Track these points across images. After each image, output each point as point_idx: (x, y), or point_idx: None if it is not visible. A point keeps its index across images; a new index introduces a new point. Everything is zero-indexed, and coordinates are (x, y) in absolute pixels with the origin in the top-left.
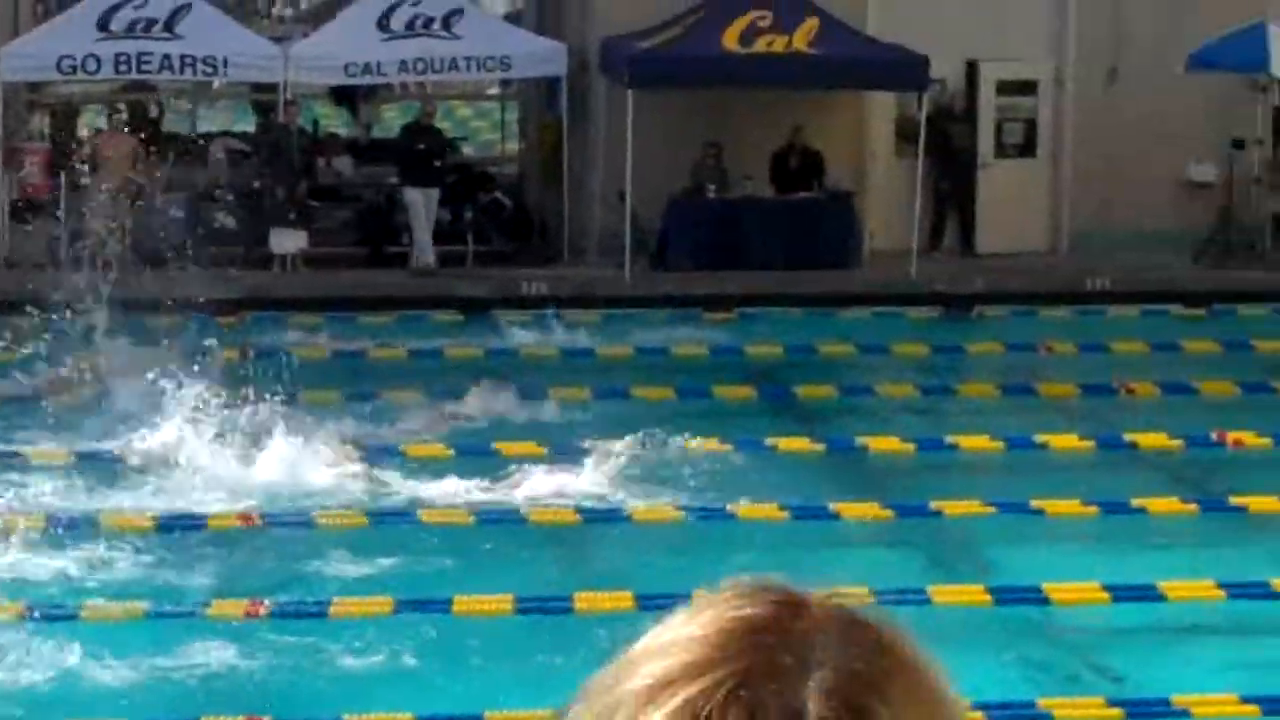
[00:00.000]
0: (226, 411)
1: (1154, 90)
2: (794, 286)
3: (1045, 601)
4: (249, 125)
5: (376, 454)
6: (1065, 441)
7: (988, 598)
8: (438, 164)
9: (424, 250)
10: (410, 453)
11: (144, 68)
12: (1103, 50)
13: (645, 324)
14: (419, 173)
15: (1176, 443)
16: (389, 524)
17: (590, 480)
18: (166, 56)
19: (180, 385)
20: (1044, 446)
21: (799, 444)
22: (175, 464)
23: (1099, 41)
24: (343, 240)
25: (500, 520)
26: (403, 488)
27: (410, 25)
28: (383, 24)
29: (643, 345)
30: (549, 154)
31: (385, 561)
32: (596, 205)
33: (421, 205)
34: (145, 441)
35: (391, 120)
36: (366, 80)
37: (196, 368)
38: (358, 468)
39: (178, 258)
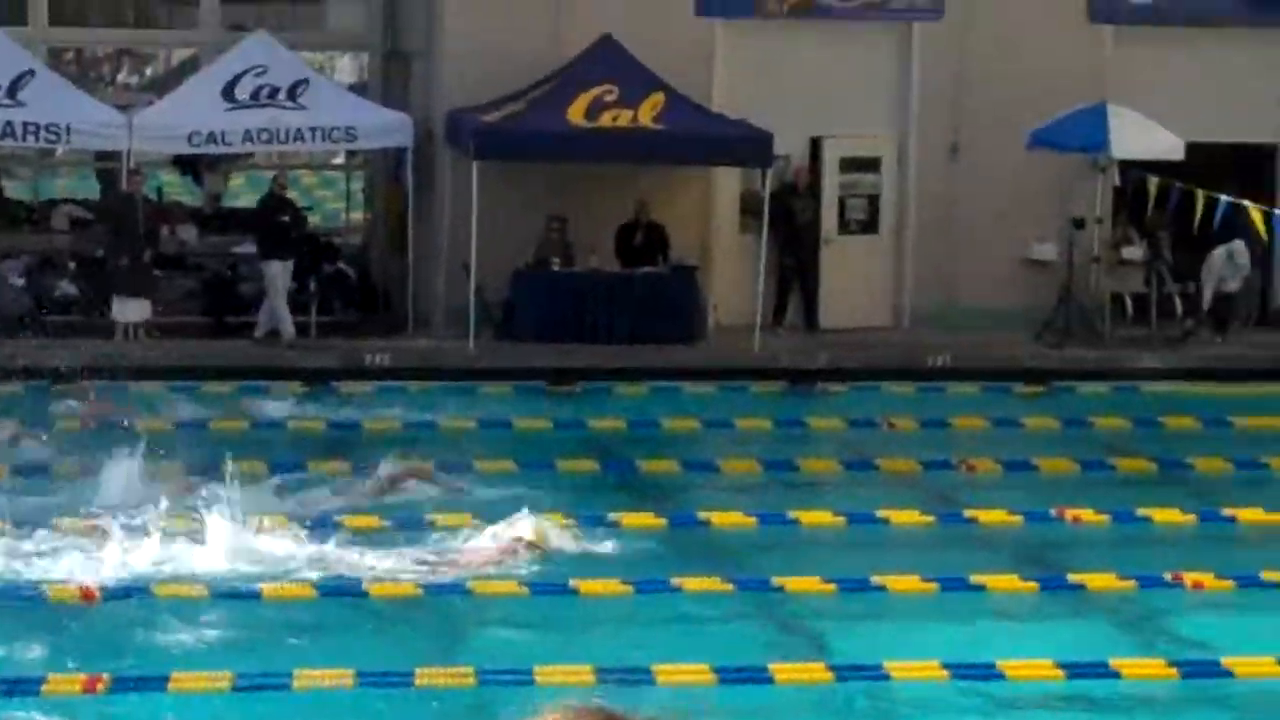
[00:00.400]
0: (67, 483)
1: (995, 168)
2: (638, 360)
3: (885, 678)
4: (93, 193)
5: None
6: (906, 517)
7: (829, 675)
8: (294, 235)
9: (284, 322)
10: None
11: None
12: (945, 128)
13: (488, 397)
14: (278, 244)
15: (1016, 519)
16: (232, 598)
17: (430, 555)
18: (9, 124)
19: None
20: (885, 522)
21: (642, 519)
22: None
23: (941, 119)
24: (187, 309)
25: (342, 593)
26: (251, 559)
27: (255, 95)
28: (228, 93)
29: (486, 418)
30: (395, 224)
31: (228, 634)
32: (441, 276)
33: (280, 278)
34: None
35: (237, 189)
36: (211, 149)
37: (33, 437)
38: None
39: (19, 325)
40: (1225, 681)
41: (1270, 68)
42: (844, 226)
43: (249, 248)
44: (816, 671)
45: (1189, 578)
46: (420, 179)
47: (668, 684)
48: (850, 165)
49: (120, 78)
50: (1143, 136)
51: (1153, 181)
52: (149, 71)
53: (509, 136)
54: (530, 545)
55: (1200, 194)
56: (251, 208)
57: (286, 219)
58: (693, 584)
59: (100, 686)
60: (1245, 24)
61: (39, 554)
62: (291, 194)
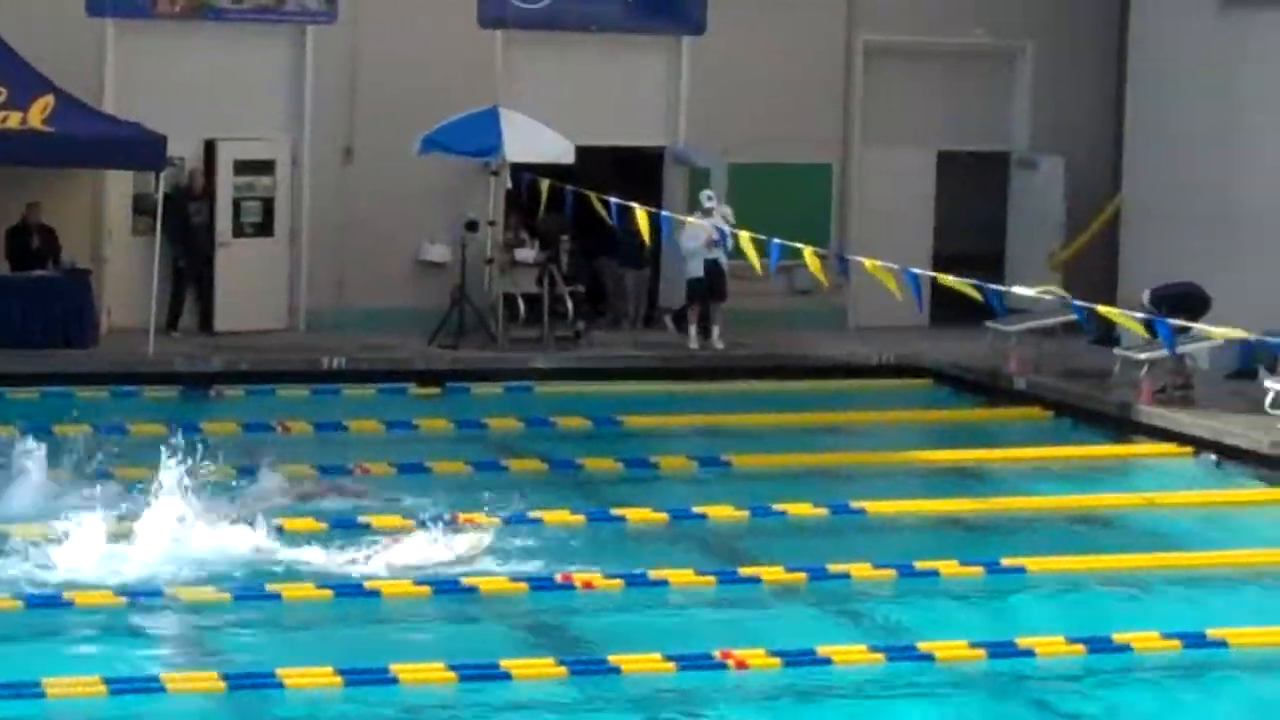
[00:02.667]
0: None
1: (389, 171)
2: (29, 366)
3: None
4: None
5: None
6: (303, 524)
7: (221, 685)
8: None
9: None
10: None
11: None
12: (339, 131)
13: None
14: None
15: (409, 524)
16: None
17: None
18: None
19: None
20: (280, 529)
21: None
22: None
23: (335, 122)
24: None
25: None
26: None
27: None
28: None
29: None
30: None
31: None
32: None
33: None
34: None
35: None
36: None
37: None
38: None
39: None
40: (616, 678)
41: (657, 74)
42: (239, 229)
43: None
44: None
45: (579, 578)
46: None
47: None
48: (245, 168)
49: None
50: (534, 140)
51: (544, 184)
52: None
53: None
54: None
55: (592, 196)
56: None
57: None
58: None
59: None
60: (633, 30)
61: None
62: None
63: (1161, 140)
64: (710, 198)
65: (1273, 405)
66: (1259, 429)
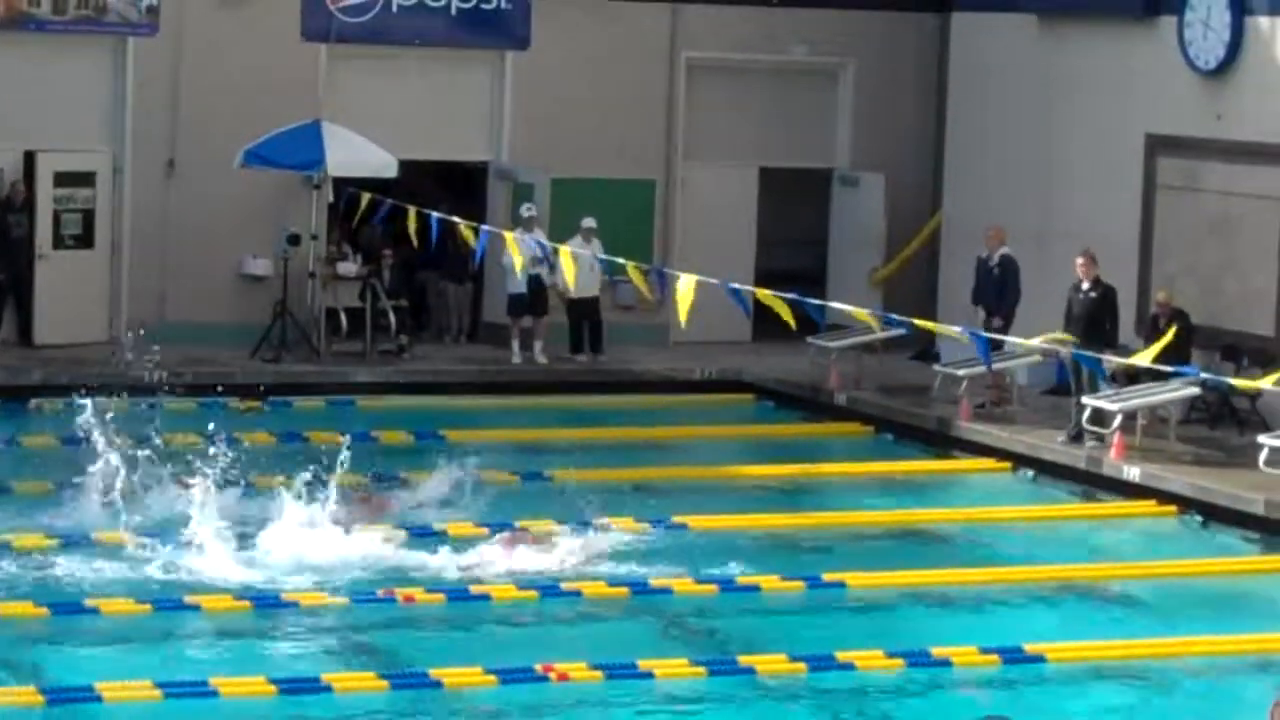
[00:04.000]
0: None
1: (211, 185)
2: None
3: None
4: None
5: None
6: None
7: None
8: None
9: None
10: None
11: None
12: (160, 143)
13: None
14: None
15: None
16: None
17: None
18: None
19: None
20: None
21: None
22: None
23: (157, 134)
24: None
25: None
26: None
27: None
28: None
29: None
30: None
31: None
32: None
33: None
34: None
35: None
36: None
37: None
38: None
39: None
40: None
41: (481, 88)
42: (59, 241)
43: None
44: None
45: (401, 593)
46: None
47: None
48: (65, 179)
49: None
50: (356, 154)
51: (365, 198)
52: None
53: None
54: None
55: (412, 210)
56: None
57: None
58: None
59: None
60: (457, 45)
61: None
62: None
63: (981, 158)
64: (529, 209)
65: (1090, 422)
66: (1075, 445)
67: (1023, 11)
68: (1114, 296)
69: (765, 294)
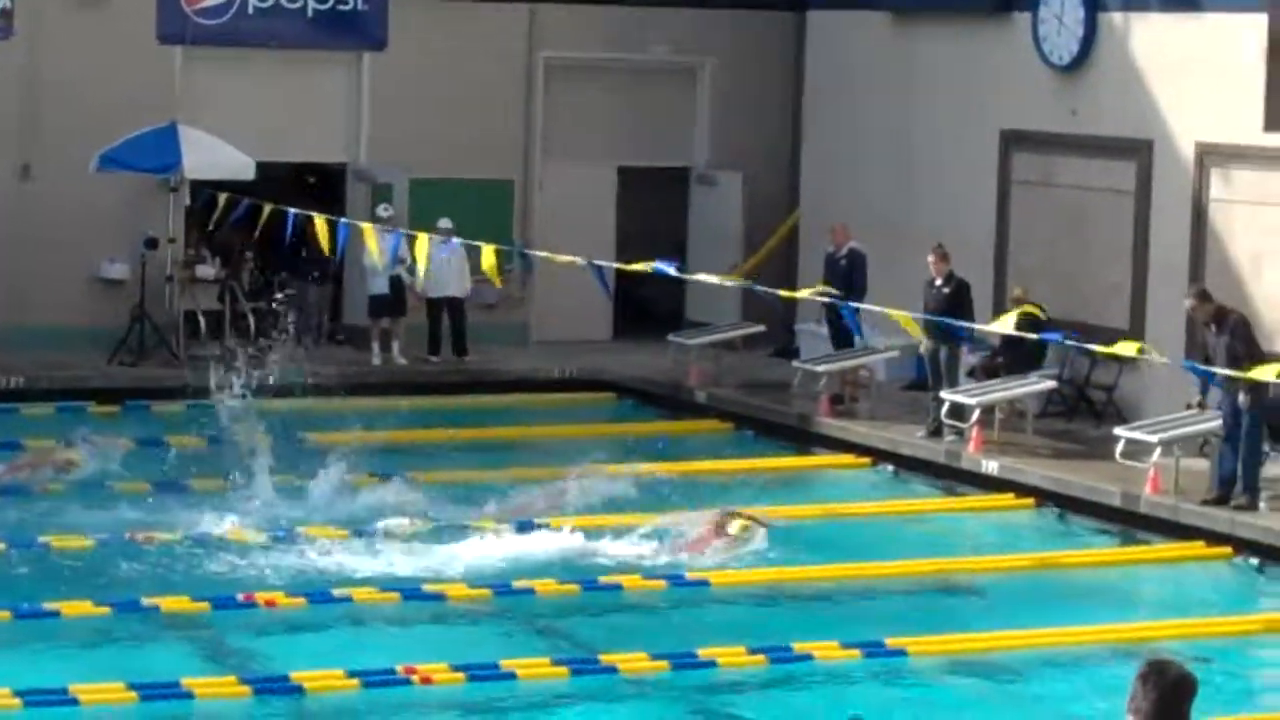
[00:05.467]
0: None
1: (67, 188)
2: None
3: None
4: None
5: None
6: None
7: None
8: None
9: None
10: None
11: None
12: (16, 147)
13: None
14: None
15: (89, 542)
16: None
17: None
18: None
19: None
20: None
21: None
22: None
23: (12, 138)
24: None
25: None
26: None
27: None
28: None
29: None
30: None
31: None
32: None
33: None
34: None
35: None
36: None
37: None
38: None
39: None
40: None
41: (339, 89)
42: None
43: None
44: None
45: (262, 596)
46: None
47: None
48: None
49: None
50: (213, 156)
51: (222, 199)
52: None
53: None
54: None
55: (268, 206)
56: None
57: None
58: None
59: None
60: (314, 46)
61: None
62: None
63: (837, 155)
64: (387, 209)
65: (949, 416)
66: (934, 439)
67: (877, 9)
68: (967, 290)
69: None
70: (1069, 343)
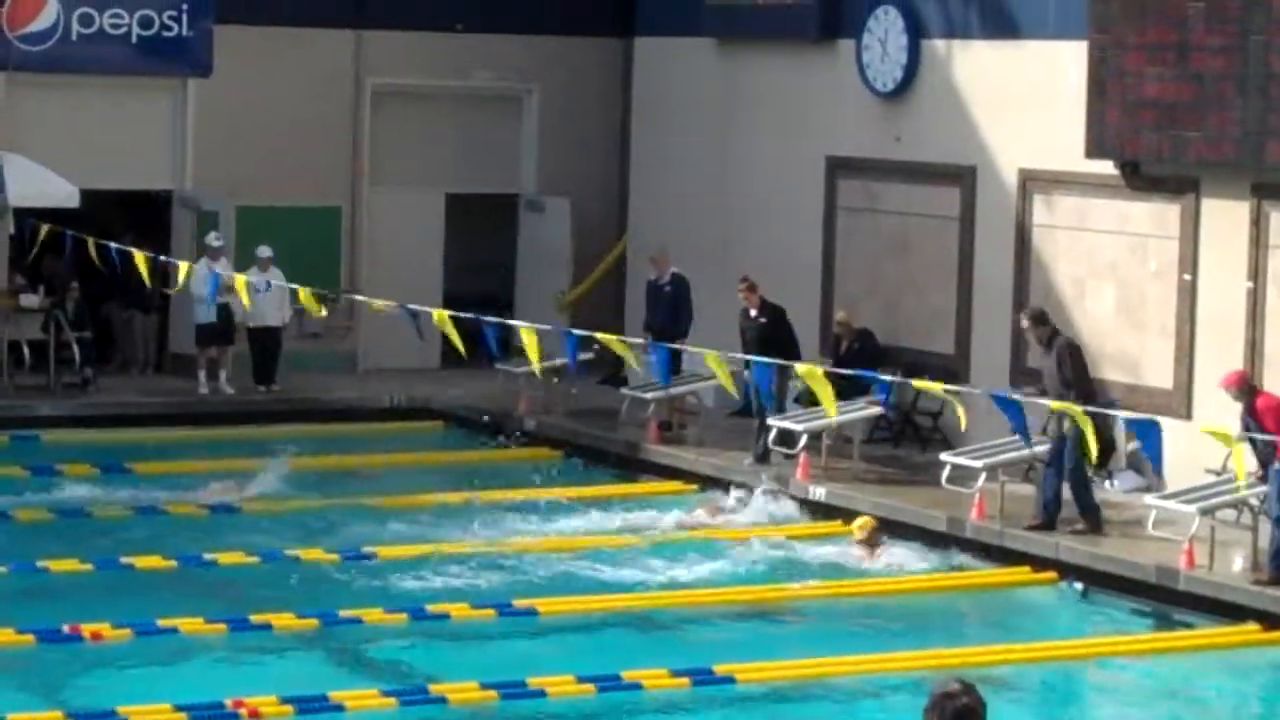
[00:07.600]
0: None
1: None
2: None
3: None
4: None
5: None
6: None
7: None
8: None
9: None
10: None
11: None
12: None
13: None
14: None
15: None
16: None
17: None
18: None
19: None
20: None
21: None
22: None
23: None
24: None
25: None
26: None
27: None
28: None
29: None
30: None
31: None
32: None
33: None
34: None
35: None
36: None
37: None
38: None
39: None
40: None
41: (164, 116)
42: None
43: None
44: None
45: (88, 629)
46: None
47: None
48: None
49: None
50: (37, 184)
51: (43, 229)
52: None
53: None
54: None
55: (91, 241)
56: None
57: None
58: None
59: None
60: (138, 73)
61: None
62: None
63: (665, 181)
64: (218, 238)
65: (776, 442)
66: (762, 466)
67: (703, 35)
68: (782, 316)
69: (449, 314)
70: (888, 378)
